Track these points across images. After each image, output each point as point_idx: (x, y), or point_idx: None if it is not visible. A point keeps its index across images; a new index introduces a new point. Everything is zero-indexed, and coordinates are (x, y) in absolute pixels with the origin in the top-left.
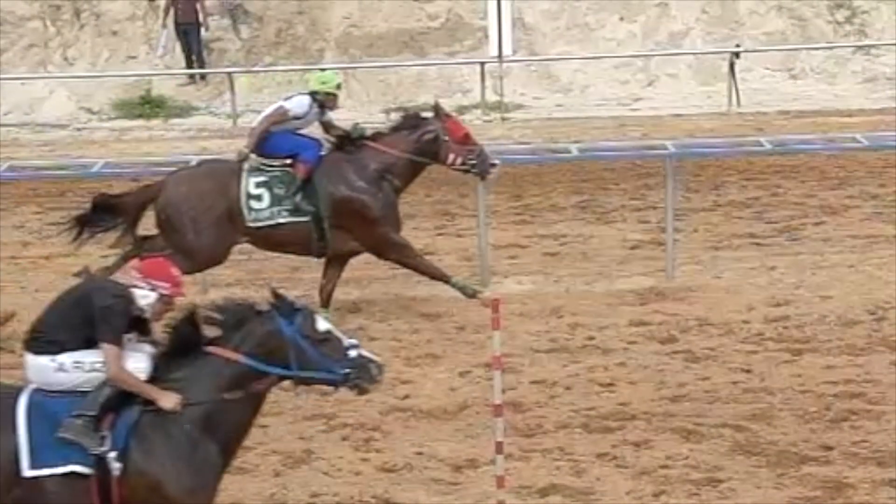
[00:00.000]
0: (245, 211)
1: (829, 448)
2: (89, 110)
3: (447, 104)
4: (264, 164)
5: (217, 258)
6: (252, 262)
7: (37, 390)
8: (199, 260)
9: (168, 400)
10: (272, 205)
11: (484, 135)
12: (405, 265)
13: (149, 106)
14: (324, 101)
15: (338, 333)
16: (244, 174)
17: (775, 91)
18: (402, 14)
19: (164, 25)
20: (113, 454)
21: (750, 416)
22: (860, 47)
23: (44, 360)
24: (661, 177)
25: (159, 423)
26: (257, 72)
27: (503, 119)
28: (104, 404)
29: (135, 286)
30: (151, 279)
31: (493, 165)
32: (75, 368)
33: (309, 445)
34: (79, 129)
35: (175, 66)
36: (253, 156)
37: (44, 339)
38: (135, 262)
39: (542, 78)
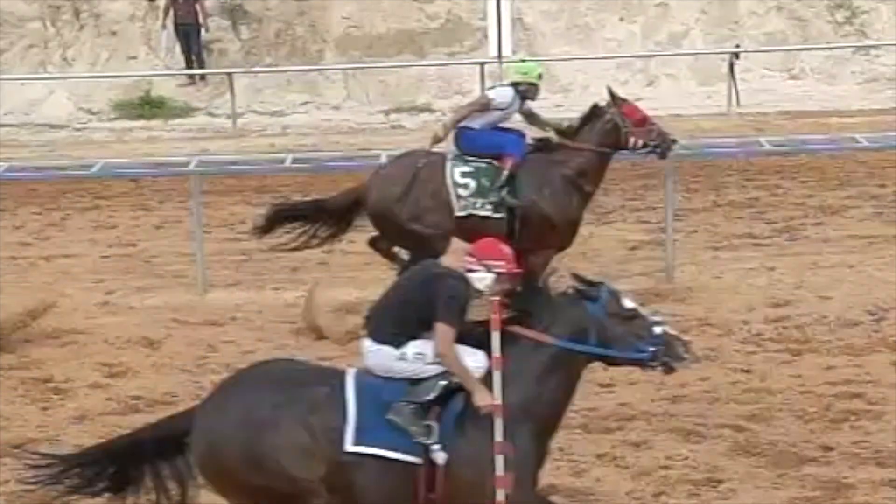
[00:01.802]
0: (454, 199)
1: (829, 448)
2: (89, 111)
3: (447, 104)
4: (468, 157)
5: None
6: (252, 263)
7: (363, 372)
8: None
9: (483, 397)
10: (476, 195)
11: None
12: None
13: (149, 106)
14: (525, 92)
15: (644, 311)
16: (448, 164)
17: (775, 91)
18: (401, 14)
19: (164, 26)
20: (437, 445)
21: (750, 416)
22: (860, 47)
23: (387, 349)
24: (660, 177)
25: (481, 415)
26: (257, 72)
27: None
28: (436, 395)
29: (470, 270)
30: (486, 260)
31: (675, 142)
32: (416, 359)
33: None
34: (79, 130)
35: (175, 67)
36: (452, 146)
37: (388, 330)
38: (465, 245)
39: (542, 78)
